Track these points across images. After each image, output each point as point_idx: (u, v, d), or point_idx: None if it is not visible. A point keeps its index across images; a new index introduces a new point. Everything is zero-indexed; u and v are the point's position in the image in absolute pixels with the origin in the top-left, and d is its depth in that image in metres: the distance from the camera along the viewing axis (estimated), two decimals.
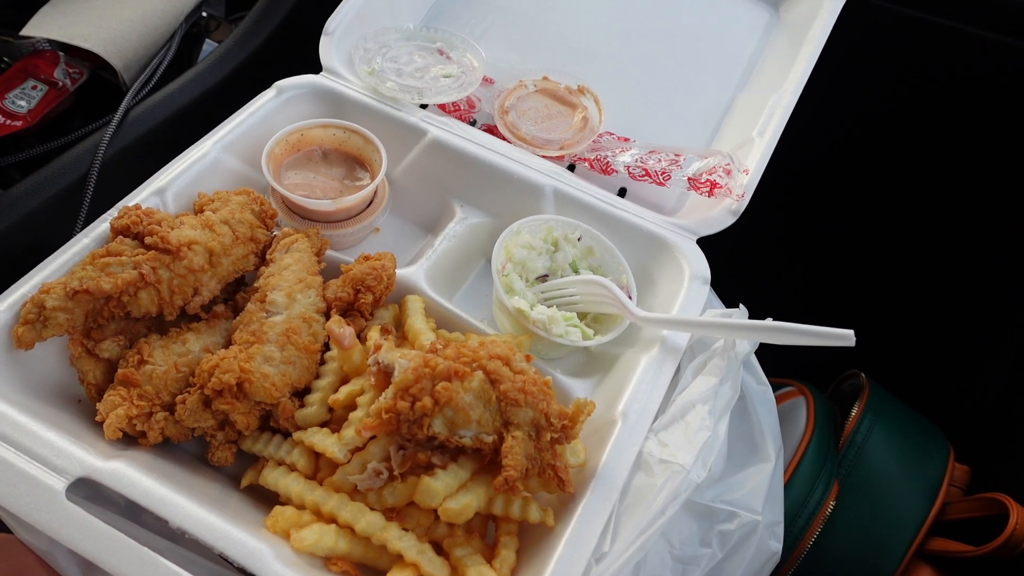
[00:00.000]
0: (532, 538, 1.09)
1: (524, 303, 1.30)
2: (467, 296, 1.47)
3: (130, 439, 1.12)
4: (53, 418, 1.08)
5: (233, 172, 1.45)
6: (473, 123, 1.65)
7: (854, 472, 1.61)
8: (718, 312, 1.32)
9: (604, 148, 1.61)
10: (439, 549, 1.05)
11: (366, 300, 1.24)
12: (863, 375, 1.81)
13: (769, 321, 1.19)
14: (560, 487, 1.05)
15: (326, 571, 1.01)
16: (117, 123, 1.57)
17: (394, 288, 1.30)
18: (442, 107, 1.64)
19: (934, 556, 1.55)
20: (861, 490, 1.59)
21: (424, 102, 1.60)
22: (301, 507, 1.06)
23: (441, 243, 1.44)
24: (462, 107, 1.65)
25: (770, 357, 1.39)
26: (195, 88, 1.71)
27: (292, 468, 1.10)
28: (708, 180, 1.49)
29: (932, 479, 1.60)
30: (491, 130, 1.61)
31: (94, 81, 1.76)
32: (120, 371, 1.12)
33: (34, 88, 1.68)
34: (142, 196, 1.31)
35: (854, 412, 1.71)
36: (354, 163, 1.50)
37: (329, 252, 1.37)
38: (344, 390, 1.14)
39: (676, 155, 1.55)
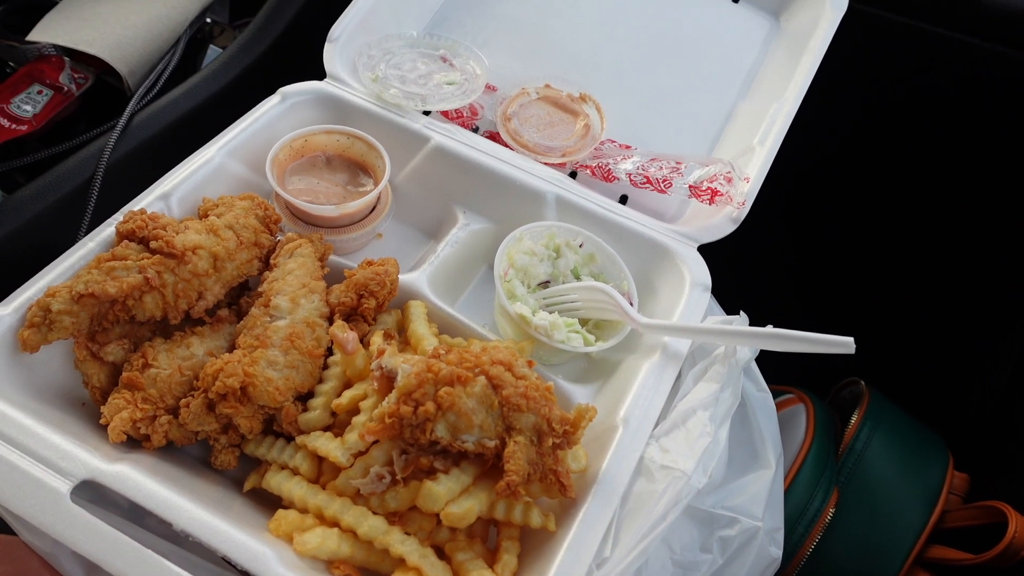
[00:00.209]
0: (533, 543, 1.09)
1: (526, 309, 1.31)
2: (469, 302, 1.48)
3: (134, 442, 1.12)
4: (58, 421, 1.09)
5: (237, 177, 1.46)
6: (476, 130, 1.66)
7: (854, 479, 1.61)
8: (719, 319, 1.32)
9: (606, 155, 1.62)
10: (441, 553, 1.06)
11: (369, 305, 1.25)
12: (862, 383, 1.82)
13: (769, 328, 1.20)
14: (562, 492, 1.06)
15: (329, 575, 1.02)
16: (122, 128, 1.58)
17: (397, 293, 1.30)
18: (445, 114, 1.65)
19: (933, 564, 1.55)
20: (861, 497, 1.59)
21: (427, 109, 1.61)
22: (304, 511, 1.06)
23: (443, 249, 1.44)
24: (465, 114, 1.66)
25: (770, 364, 1.40)
26: (199, 94, 1.72)
27: (295, 472, 1.11)
28: (709, 188, 1.50)
29: (932, 487, 1.61)
30: (494, 137, 1.62)
31: (99, 86, 1.77)
32: (124, 374, 1.13)
33: (39, 93, 1.69)
34: (147, 201, 1.32)
35: (854, 419, 1.71)
36: (357, 169, 1.51)
37: (332, 257, 1.37)
38: (347, 394, 1.14)
39: (677, 163, 1.56)
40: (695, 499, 1.12)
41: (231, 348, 1.21)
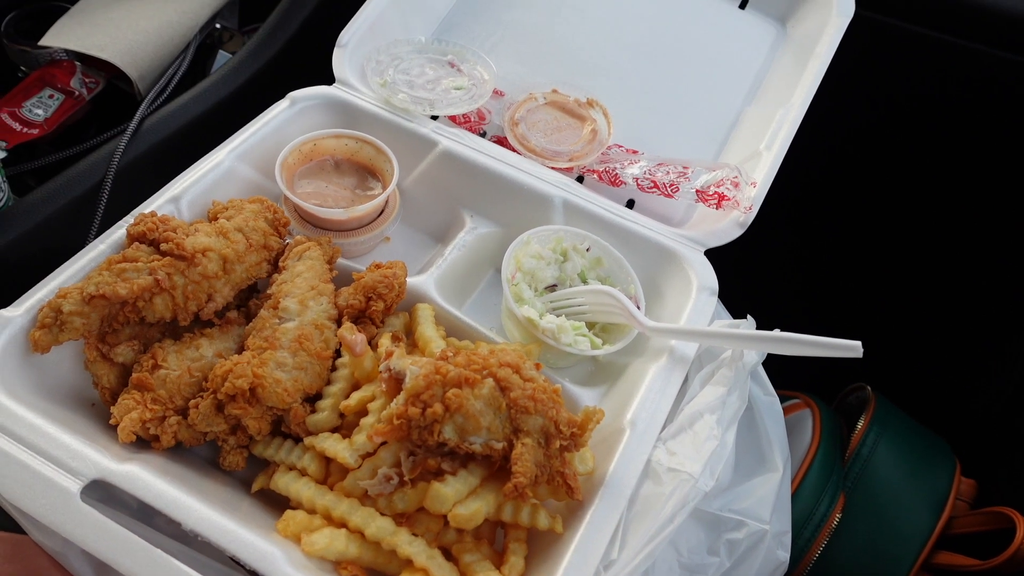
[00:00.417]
0: (541, 545, 1.09)
1: (533, 312, 1.31)
2: (476, 305, 1.48)
3: (143, 443, 1.13)
4: (68, 421, 1.09)
5: (247, 181, 1.47)
6: (483, 135, 1.67)
7: (860, 485, 1.61)
8: (726, 322, 1.33)
9: (613, 160, 1.62)
10: (448, 555, 1.06)
11: (377, 308, 1.25)
12: (869, 388, 1.82)
13: (776, 332, 1.20)
14: (569, 494, 1.06)
15: (336, 575, 1.02)
16: (132, 132, 1.59)
17: (405, 296, 1.31)
18: (453, 119, 1.65)
19: (940, 570, 1.54)
20: (867, 503, 1.59)
21: (435, 114, 1.62)
22: (312, 511, 1.07)
23: (451, 252, 1.45)
24: (472, 119, 1.67)
25: (776, 370, 1.40)
26: (209, 98, 1.73)
27: (303, 473, 1.11)
28: (716, 192, 1.50)
29: (938, 492, 1.60)
30: (501, 142, 1.63)
31: (110, 90, 1.78)
32: (134, 375, 1.13)
33: (51, 97, 1.71)
34: (158, 203, 1.32)
35: (860, 425, 1.71)
36: (366, 173, 1.52)
37: (340, 260, 1.38)
38: (355, 396, 1.15)
39: (684, 168, 1.57)
40: (702, 502, 1.12)
41: (240, 350, 1.22)
